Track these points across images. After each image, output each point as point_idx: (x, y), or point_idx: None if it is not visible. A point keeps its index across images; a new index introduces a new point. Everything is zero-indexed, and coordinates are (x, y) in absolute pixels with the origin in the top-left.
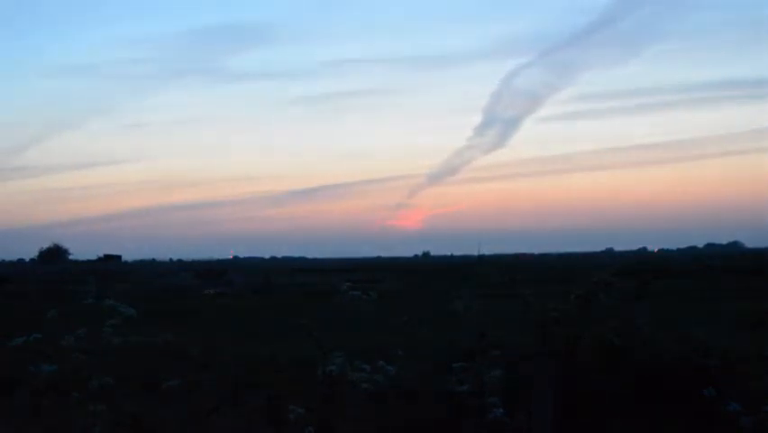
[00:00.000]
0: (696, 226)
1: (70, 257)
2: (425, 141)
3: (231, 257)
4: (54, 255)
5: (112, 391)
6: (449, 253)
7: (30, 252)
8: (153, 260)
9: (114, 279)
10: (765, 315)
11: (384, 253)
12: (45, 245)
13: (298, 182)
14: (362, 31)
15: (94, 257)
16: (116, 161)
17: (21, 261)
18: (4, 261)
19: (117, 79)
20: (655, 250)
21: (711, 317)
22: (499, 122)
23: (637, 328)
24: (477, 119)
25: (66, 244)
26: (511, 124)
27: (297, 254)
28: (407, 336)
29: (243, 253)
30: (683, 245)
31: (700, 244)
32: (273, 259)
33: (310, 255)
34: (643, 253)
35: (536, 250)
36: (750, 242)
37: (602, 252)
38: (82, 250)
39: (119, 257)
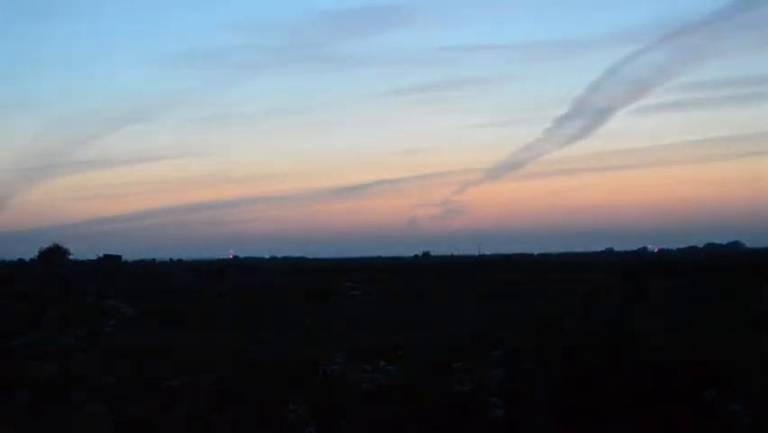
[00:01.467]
0: None
1: (70, 257)
2: (496, 134)
3: (231, 257)
4: (54, 255)
5: (112, 391)
6: (449, 253)
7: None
8: (153, 260)
9: (114, 279)
10: (765, 315)
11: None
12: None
13: (357, 177)
14: (485, 16)
15: (94, 257)
16: (181, 155)
17: (21, 261)
18: (4, 260)
19: (213, 68)
20: (655, 250)
21: (711, 317)
22: (588, 113)
23: (637, 328)
24: (561, 110)
25: (116, 239)
26: (601, 116)
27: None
28: (408, 336)
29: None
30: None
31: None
32: (273, 259)
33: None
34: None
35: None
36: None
37: (602, 252)
38: (124, 246)
39: (119, 257)
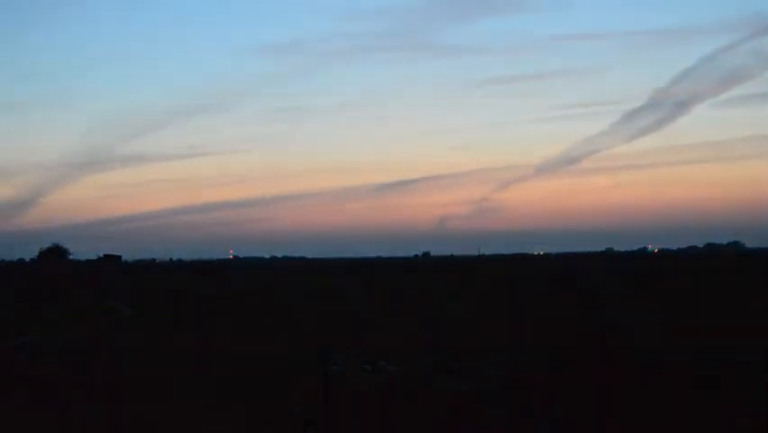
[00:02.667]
0: None
1: (70, 257)
2: (560, 128)
3: (231, 257)
4: (54, 255)
5: (112, 391)
6: (449, 254)
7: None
8: (153, 260)
9: (114, 279)
10: (765, 315)
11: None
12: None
13: (403, 174)
14: (584, 3)
15: (94, 257)
16: (236, 151)
17: (21, 260)
18: (3, 260)
19: (299, 57)
20: (655, 250)
21: (711, 317)
22: (667, 105)
23: (637, 328)
24: (637, 103)
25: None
26: (680, 108)
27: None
28: (408, 337)
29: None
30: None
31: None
32: (273, 259)
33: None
34: (643, 252)
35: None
36: None
37: (602, 252)
38: (130, 246)
39: (119, 257)
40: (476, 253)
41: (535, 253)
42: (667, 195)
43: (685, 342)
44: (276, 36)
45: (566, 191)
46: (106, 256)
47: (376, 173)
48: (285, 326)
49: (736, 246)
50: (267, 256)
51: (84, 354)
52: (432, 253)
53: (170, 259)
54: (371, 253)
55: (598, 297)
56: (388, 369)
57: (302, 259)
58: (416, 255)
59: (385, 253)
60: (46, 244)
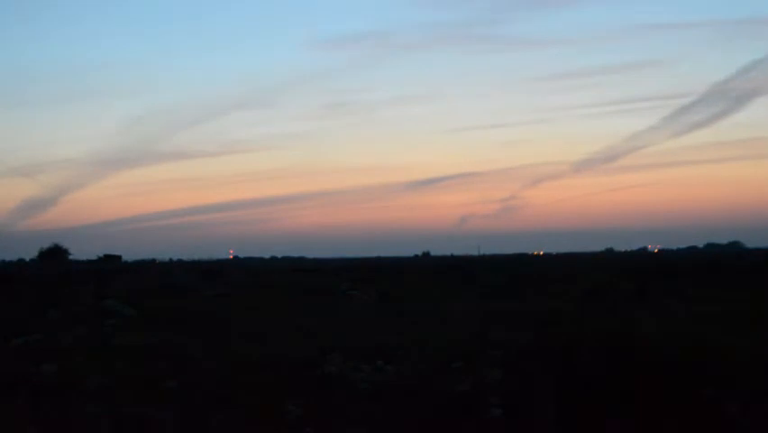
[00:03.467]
0: None
1: (70, 257)
2: (605, 123)
3: (231, 257)
4: (54, 255)
5: (112, 391)
6: (449, 253)
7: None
8: (153, 260)
9: (114, 279)
10: (765, 315)
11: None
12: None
13: (436, 171)
14: None
15: (94, 257)
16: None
17: (21, 261)
18: (4, 261)
19: (356, 50)
20: (655, 250)
21: (711, 317)
22: (725, 99)
23: (637, 328)
24: (692, 97)
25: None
26: (740, 102)
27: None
28: (407, 336)
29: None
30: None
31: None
32: (273, 259)
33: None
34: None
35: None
36: None
37: (602, 251)
38: (132, 248)
39: (119, 257)
40: (476, 252)
41: (534, 253)
42: (709, 192)
43: (685, 341)
44: (333, 27)
45: (599, 189)
46: (106, 256)
47: (408, 170)
48: (283, 325)
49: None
50: (266, 256)
51: (84, 354)
52: (452, 254)
53: (170, 259)
54: (375, 253)
55: (598, 296)
56: (387, 369)
57: (301, 259)
58: (416, 255)
59: (388, 253)
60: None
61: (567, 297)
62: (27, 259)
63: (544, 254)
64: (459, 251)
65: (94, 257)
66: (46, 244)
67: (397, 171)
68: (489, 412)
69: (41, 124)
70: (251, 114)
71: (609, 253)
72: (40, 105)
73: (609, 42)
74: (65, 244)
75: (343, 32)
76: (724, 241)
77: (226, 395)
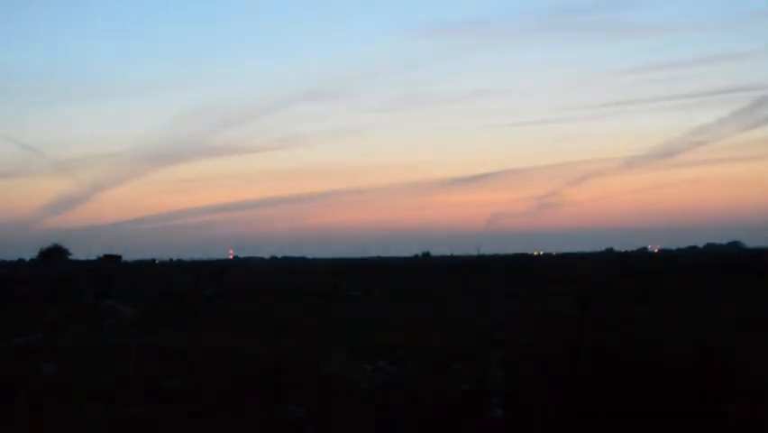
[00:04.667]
0: None
1: (70, 257)
2: (668, 119)
3: (230, 257)
4: (54, 255)
5: (112, 391)
6: (449, 253)
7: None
8: (153, 260)
9: (114, 279)
10: (765, 315)
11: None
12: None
13: (482, 167)
14: None
15: (94, 257)
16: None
17: (21, 261)
18: (3, 261)
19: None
20: (656, 250)
21: (711, 318)
22: None
23: (637, 328)
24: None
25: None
26: None
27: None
28: (407, 336)
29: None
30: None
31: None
32: (273, 259)
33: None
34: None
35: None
36: None
37: (602, 251)
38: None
39: (119, 257)
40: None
41: (534, 253)
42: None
43: (685, 341)
44: (408, 16)
45: (646, 186)
46: (106, 256)
47: (452, 167)
48: (284, 325)
49: None
50: (266, 257)
51: (84, 354)
52: (484, 252)
53: (170, 259)
54: (376, 253)
55: (598, 296)
56: (388, 369)
57: (302, 259)
58: (416, 255)
59: (390, 253)
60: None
61: (567, 297)
62: (27, 259)
63: (543, 255)
64: (486, 250)
65: (93, 257)
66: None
67: (441, 168)
68: (490, 412)
69: (87, 119)
70: (314, 106)
71: (609, 253)
72: (87, 99)
73: (712, 31)
74: (90, 242)
75: (426, 21)
76: None
77: (227, 394)
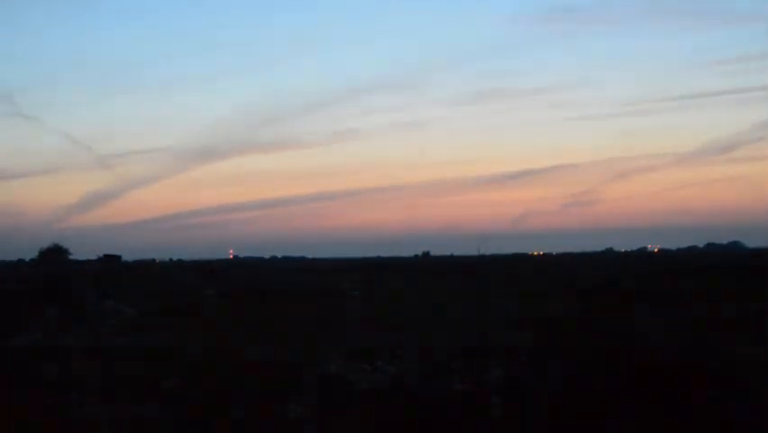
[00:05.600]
0: None
1: (70, 257)
2: (731, 113)
3: (231, 257)
4: (54, 255)
5: (112, 391)
6: (449, 253)
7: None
8: (153, 260)
9: (114, 279)
10: (765, 315)
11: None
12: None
13: (533, 163)
14: None
15: (94, 257)
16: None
17: (21, 261)
18: (3, 261)
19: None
20: (655, 250)
21: (711, 318)
22: None
23: (637, 329)
24: None
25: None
26: None
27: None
28: (407, 336)
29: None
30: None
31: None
32: (273, 259)
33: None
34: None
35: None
36: None
37: (602, 251)
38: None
39: (119, 257)
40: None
41: (534, 253)
42: None
43: (685, 341)
44: (483, 3)
45: (686, 184)
46: (106, 256)
47: (498, 163)
48: (284, 325)
49: None
50: (266, 257)
51: (84, 354)
52: (452, 254)
53: (170, 259)
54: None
55: (598, 296)
56: (388, 369)
57: (302, 259)
58: (416, 255)
59: (390, 253)
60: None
61: (567, 297)
62: (27, 259)
63: (544, 255)
64: (514, 249)
65: (94, 257)
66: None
67: (485, 165)
68: (490, 412)
69: (136, 112)
70: (372, 100)
71: (609, 252)
72: (137, 92)
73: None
74: (110, 242)
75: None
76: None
77: (227, 394)
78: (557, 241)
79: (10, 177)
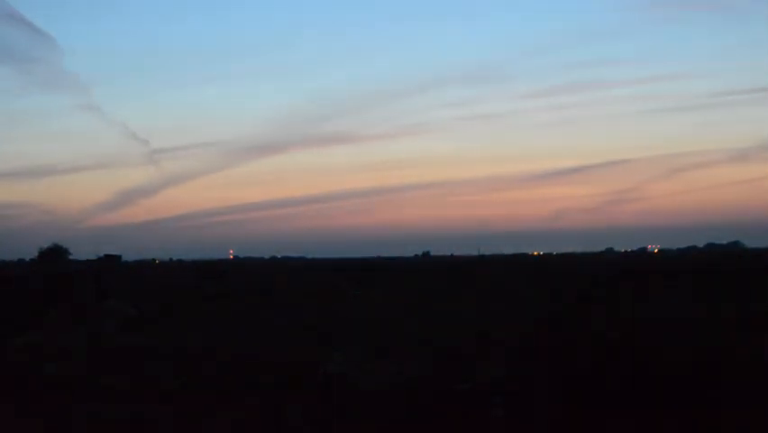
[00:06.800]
0: None
1: (70, 257)
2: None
3: (231, 257)
4: (54, 255)
5: (112, 391)
6: (449, 253)
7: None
8: (153, 260)
9: (114, 279)
10: (765, 315)
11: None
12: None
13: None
14: None
15: (94, 257)
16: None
17: (21, 261)
18: (3, 261)
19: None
20: (655, 250)
21: (711, 318)
22: None
23: (637, 328)
24: None
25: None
26: None
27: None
28: (408, 336)
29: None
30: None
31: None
32: (273, 259)
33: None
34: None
35: None
36: None
37: (602, 251)
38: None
39: (119, 257)
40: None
41: (533, 253)
42: None
43: (685, 341)
44: None
45: (735, 181)
46: (106, 256)
47: (553, 160)
48: (284, 325)
49: None
50: (266, 257)
51: (84, 354)
52: (452, 254)
53: (170, 259)
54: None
55: (597, 295)
56: (389, 369)
57: (302, 259)
58: (416, 255)
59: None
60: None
61: (567, 297)
62: (27, 259)
63: (543, 254)
64: (551, 248)
65: (93, 257)
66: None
67: (537, 162)
68: (490, 412)
69: (196, 105)
70: (449, 93)
71: (609, 252)
72: (196, 85)
73: None
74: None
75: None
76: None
77: (228, 394)
78: (591, 239)
79: (70, 170)
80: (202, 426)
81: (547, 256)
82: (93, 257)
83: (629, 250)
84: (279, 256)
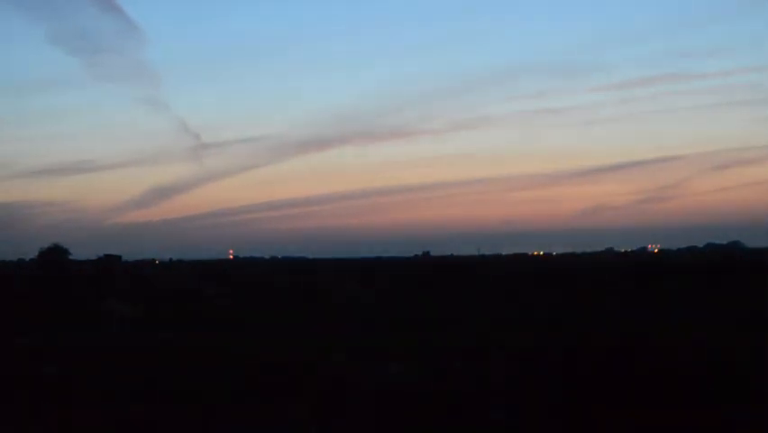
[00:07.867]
0: None
1: (70, 257)
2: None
3: (230, 257)
4: (54, 255)
5: (113, 391)
6: (449, 253)
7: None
8: (153, 260)
9: (114, 279)
10: (765, 315)
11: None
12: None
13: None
14: None
15: (94, 257)
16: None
17: (21, 261)
18: (3, 261)
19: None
20: (655, 250)
21: (711, 317)
22: None
23: (638, 328)
24: None
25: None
26: None
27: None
28: (409, 336)
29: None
30: None
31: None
32: (273, 259)
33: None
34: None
35: None
36: None
37: (602, 251)
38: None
39: (119, 257)
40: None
41: (534, 253)
42: None
43: (685, 341)
44: None
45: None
46: (107, 256)
47: (578, 157)
48: (285, 325)
49: None
50: (266, 257)
51: (85, 355)
52: (452, 253)
53: (170, 259)
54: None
55: (597, 295)
56: (390, 369)
57: (302, 259)
58: (416, 255)
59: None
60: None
61: (567, 297)
62: (27, 259)
63: (543, 254)
64: (581, 247)
65: (93, 257)
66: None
67: (576, 158)
68: (491, 413)
69: (243, 100)
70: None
71: (609, 252)
72: (245, 80)
73: None
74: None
75: None
76: None
77: (229, 394)
78: (626, 237)
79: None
80: (202, 426)
81: (547, 256)
82: (93, 257)
83: (629, 250)
84: (280, 256)
